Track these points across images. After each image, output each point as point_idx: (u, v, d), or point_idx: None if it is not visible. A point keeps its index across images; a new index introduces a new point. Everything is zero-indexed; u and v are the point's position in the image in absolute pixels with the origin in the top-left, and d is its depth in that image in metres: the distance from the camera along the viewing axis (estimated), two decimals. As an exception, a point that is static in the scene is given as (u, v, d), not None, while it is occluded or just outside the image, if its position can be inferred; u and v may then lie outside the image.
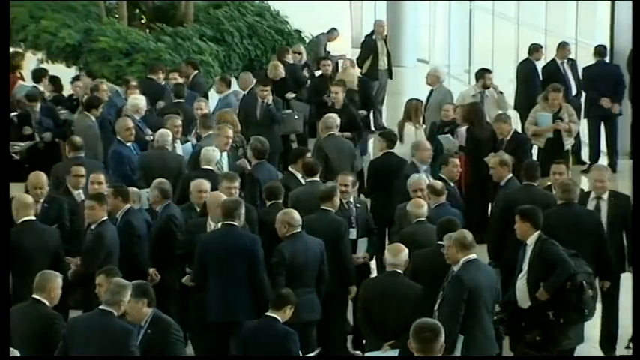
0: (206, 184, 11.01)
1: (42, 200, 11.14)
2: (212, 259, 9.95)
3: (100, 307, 8.12)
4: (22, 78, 16.98)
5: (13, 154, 14.12)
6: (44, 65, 18.38)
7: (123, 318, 8.22)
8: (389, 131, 13.49)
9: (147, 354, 8.22)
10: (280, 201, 10.88)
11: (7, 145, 10.47)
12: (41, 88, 16.15)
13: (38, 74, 16.31)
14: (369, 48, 19.31)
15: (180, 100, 15.13)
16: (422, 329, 6.87)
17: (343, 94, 15.02)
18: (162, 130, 12.98)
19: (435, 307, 9.06)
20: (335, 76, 16.95)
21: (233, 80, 17.00)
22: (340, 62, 19.02)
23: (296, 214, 10.09)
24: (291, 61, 17.60)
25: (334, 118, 13.55)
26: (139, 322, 8.32)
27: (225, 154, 12.51)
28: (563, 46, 16.91)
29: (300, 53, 18.06)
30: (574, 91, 16.53)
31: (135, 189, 11.31)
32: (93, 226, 10.36)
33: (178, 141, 13.27)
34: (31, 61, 18.61)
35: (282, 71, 16.67)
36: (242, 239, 9.97)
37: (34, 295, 8.60)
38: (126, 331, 8.07)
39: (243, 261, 9.89)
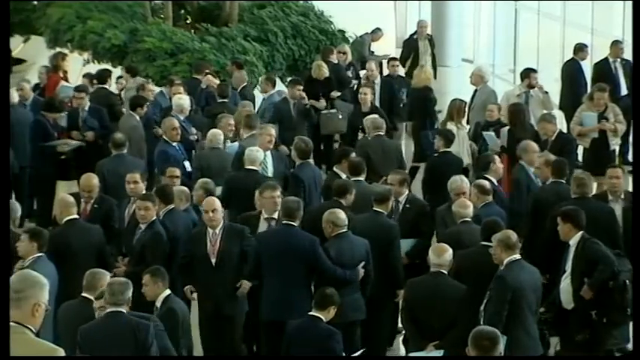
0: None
1: (92, 201, 11.25)
2: (269, 258, 9.98)
3: (108, 310, 8.04)
4: (66, 79, 17.10)
5: (60, 153, 14.23)
6: (90, 65, 18.52)
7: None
8: (447, 130, 13.46)
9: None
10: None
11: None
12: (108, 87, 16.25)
13: (103, 75, 16.44)
14: (410, 48, 19.28)
15: (225, 100, 15.18)
16: (481, 337, 6.92)
17: (372, 96, 14.98)
18: (214, 130, 13.04)
19: (481, 308, 9.02)
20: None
21: (277, 80, 17.07)
22: (384, 62, 18.97)
23: (342, 214, 10.08)
24: (336, 61, 17.61)
25: (381, 118, 13.57)
26: (153, 300, 8.84)
27: (269, 153, 12.54)
28: (616, 45, 16.68)
29: (344, 53, 18.05)
30: (624, 91, 16.33)
31: (184, 188, 11.35)
32: (142, 226, 10.42)
33: (228, 140, 13.32)
34: (77, 61, 18.74)
35: (325, 71, 16.67)
36: (301, 239, 9.98)
37: (83, 294, 8.66)
38: (143, 326, 8.03)
39: (300, 261, 9.91)
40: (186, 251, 10.30)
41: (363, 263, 9.98)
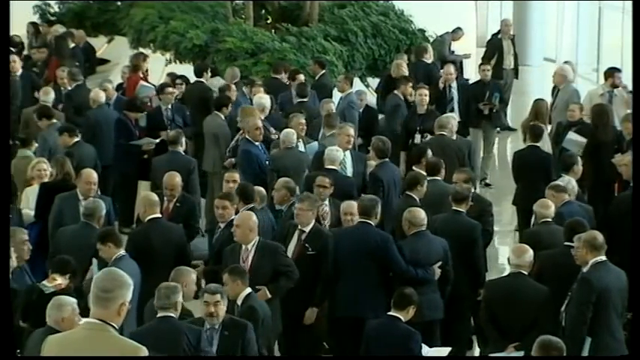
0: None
1: (174, 199, 11.35)
2: (343, 255, 10.04)
3: (158, 315, 8.07)
4: (145, 79, 17.27)
5: (144, 152, 14.39)
6: (172, 65, 18.68)
7: (183, 318, 8.27)
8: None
9: (234, 330, 8.31)
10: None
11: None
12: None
13: (199, 69, 16.64)
14: (494, 47, 19.11)
15: (304, 100, 15.21)
16: (549, 348, 6.88)
17: (427, 98, 14.88)
18: (287, 130, 13.07)
19: (562, 309, 8.91)
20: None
21: (355, 79, 17.04)
22: (465, 61, 18.87)
23: (421, 213, 10.06)
24: (429, 61, 17.54)
25: (448, 118, 13.50)
26: (234, 299, 8.79)
27: (347, 152, 12.54)
28: None
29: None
30: None
31: (260, 188, 11.40)
32: (222, 225, 10.47)
33: (301, 140, 13.35)
34: (159, 61, 18.90)
35: (405, 70, 16.63)
36: (374, 237, 10.02)
37: None
38: (194, 332, 8.07)
39: (373, 259, 9.96)
40: (217, 259, 10.18)
41: (439, 263, 9.93)
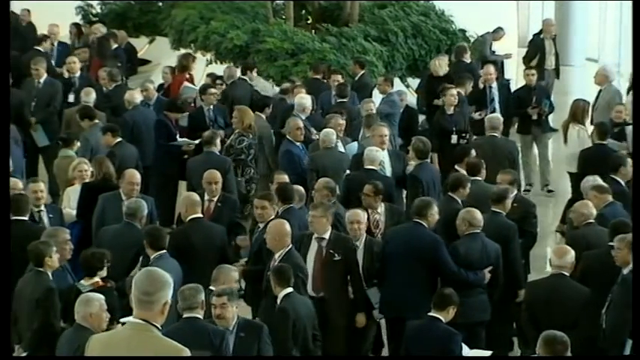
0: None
1: (215, 199, 11.38)
2: (393, 254, 10.06)
3: (184, 315, 8.07)
4: (191, 80, 17.34)
5: (185, 153, 14.45)
6: (212, 66, 18.75)
7: (209, 320, 8.28)
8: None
9: (249, 332, 8.34)
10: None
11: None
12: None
13: (245, 67, 16.75)
14: (536, 47, 18.99)
15: (344, 100, 15.22)
16: (554, 342, 6.92)
17: (456, 98, 14.82)
18: (326, 130, 13.09)
19: (603, 311, 8.86)
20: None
21: (396, 80, 16.99)
22: (506, 61, 18.79)
23: (479, 214, 10.05)
24: (469, 61, 17.48)
25: (500, 119, 13.42)
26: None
27: (386, 152, 12.54)
28: None
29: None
30: None
31: (299, 187, 11.42)
32: (261, 226, 10.51)
33: (340, 140, 13.35)
34: (199, 62, 18.97)
35: (445, 67, 16.61)
36: (425, 238, 10.03)
37: (211, 287, 8.80)
38: (218, 332, 8.08)
39: (423, 260, 9.97)
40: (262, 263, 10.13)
41: (490, 268, 9.90)
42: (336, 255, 9.91)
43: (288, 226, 9.69)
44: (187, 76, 17.20)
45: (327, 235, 10.00)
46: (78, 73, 16.65)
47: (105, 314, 8.17)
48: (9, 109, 11.54)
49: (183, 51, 18.85)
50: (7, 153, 10.42)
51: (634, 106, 13.87)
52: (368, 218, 10.63)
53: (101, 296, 8.35)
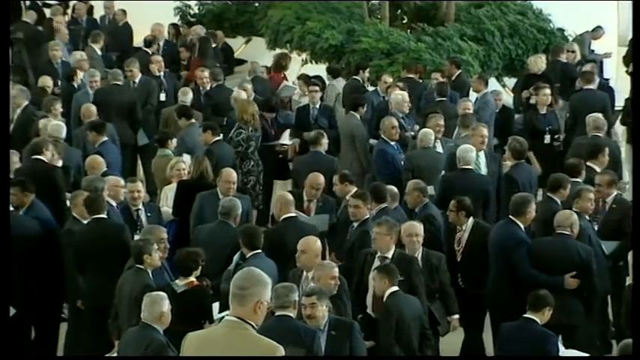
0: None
1: (316, 200, 11.45)
2: (491, 250, 10.16)
3: (277, 314, 8.06)
4: (286, 79, 17.44)
5: (278, 153, 14.53)
6: (307, 66, 18.81)
7: (300, 319, 8.28)
8: None
9: (340, 330, 8.33)
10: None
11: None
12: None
13: (358, 67, 16.85)
14: (635, 47, 18.68)
15: (443, 99, 15.15)
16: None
17: (549, 98, 14.58)
18: (425, 130, 13.05)
19: None
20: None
21: (492, 79, 16.86)
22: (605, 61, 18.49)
23: (573, 216, 9.94)
24: (565, 60, 17.27)
25: (602, 119, 13.24)
26: (380, 296, 8.95)
27: (482, 153, 12.44)
28: None
29: (573, 52, 17.63)
30: None
31: (392, 187, 11.40)
32: (355, 224, 10.52)
33: (439, 140, 13.29)
34: (294, 62, 19.05)
35: (543, 65, 16.43)
36: (510, 237, 10.03)
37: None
38: (310, 332, 8.09)
39: (507, 257, 9.97)
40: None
41: (573, 273, 9.77)
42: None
43: (319, 244, 9.58)
44: (283, 75, 17.29)
45: (390, 255, 9.67)
46: (162, 72, 16.85)
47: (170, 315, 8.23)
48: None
49: (279, 51, 18.95)
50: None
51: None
52: (453, 235, 10.53)
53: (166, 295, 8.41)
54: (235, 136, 13.71)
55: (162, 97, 16.27)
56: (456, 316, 9.91)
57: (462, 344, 10.68)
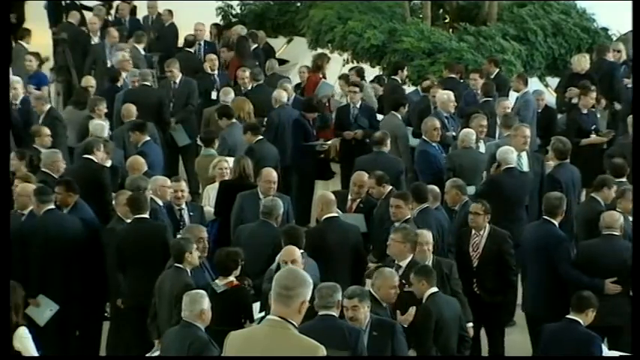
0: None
1: (359, 200, 11.45)
2: (525, 251, 10.12)
3: (320, 313, 8.03)
4: (325, 78, 17.45)
5: (319, 153, 14.53)
6: (349, 66, 18.80)
7: (343, 319, 8.26)
8: None
9: (382, 331, 8.32)
10: None
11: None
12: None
13: (396, 67, 16.84)
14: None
15: (489, 99, 15.09)
16: None
17: (593, 100, 14.45)
18: (466, 130, 13.00)
19: None
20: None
21: (534, 79, 16.75)
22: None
23: (621, 217, 9.87)
24: (612, 59, 17.17)
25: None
26: (420, 297, 8.92)
27: (524, 153, 12.38)
28: None
29: (619, 51, 17.52)
30: None
31: (434, 187, 11.36)
32: (396, 224, 10.50)
33: (482, 141, 13.23)
34: (336, 62, 19.05)
35: (586, 64, 16.33)
36: (552, 235, 10.01)
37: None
38: (354, 331, 8.06)
39: (549, 258, 9.94)
40: None
41: (614, 278, 9.69)
42: (407, 285, 9.22)
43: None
44: (321, 75, 17.29)
45: (404, 264, 9.50)
46: (217, 71, 16.93)
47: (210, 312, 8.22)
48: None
49: (320, 51, 18.96)
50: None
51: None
52: (467, 239, 10.44)
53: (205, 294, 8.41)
54: None
55: (214, 95, 16.33)
56: (470, 324, 9.72)
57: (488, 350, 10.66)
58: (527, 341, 10.48)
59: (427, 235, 9.78)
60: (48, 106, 14.61)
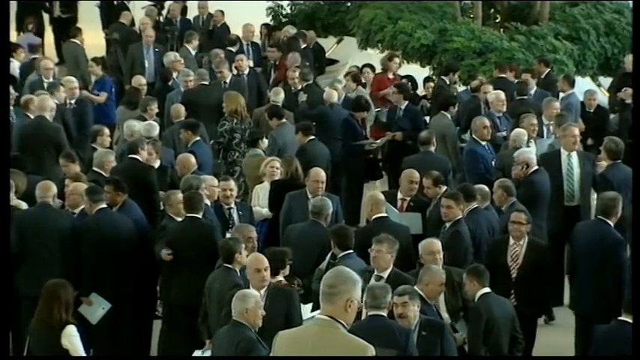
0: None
1: (409, 199, 11.49)
2: (580, 251, 10.13)
3: (369, 313, 8.01)
4: (394, 80, 17.40)
5: (368, 152, 14.52)
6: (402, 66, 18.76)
7: (392, 318, 8.22)
8: None
9: (431, 331, 8.30)
10: None
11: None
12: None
13: (448, 69, 16.84)
14: None
15: (523, 97, 15.03)
16: None
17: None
18: (518, 130, 12.93)
19: None
20: None
21: (587, 79, 16.61)
22: None
23: None
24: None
25: None
26: (472, 297, 8.96)
27: (574, 153, 12.29)
28: None
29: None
30: None
31: (483, 186, 11.31)
32: (447, 224, 10.48)
33: (533, 140, 13.15)
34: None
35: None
36: (610, 237, 9.97)
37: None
38: (404, 331, 8.04)
39: (604, 259, 9.90)
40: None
41: None
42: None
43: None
44: (390, 76, 17.20)
45: (385, 274, 9.28)
46: (247, 71, 16.94)
47: (260, 310, 8.20)
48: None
49: (370, 51, 18.94)
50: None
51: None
52: (504, 249, 10.19)
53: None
54: (219, 127, 14.00)
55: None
56: None
57: None
58: (566, 340, 10.44)
59: (436, 244, 9.51)
60: None
